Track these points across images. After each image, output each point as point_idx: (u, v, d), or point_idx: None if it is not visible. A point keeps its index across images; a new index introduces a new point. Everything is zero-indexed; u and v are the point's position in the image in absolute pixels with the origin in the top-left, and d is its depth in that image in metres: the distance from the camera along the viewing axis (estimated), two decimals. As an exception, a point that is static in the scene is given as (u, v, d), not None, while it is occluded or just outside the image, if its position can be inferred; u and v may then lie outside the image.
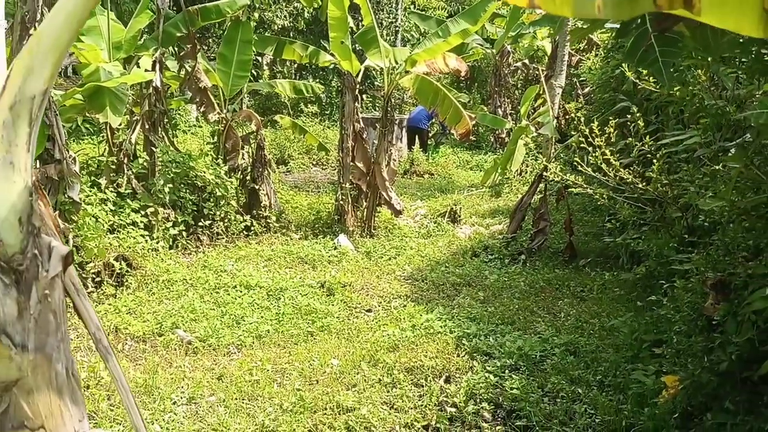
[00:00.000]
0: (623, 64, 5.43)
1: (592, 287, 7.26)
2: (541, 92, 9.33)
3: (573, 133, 10.16)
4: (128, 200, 8.11)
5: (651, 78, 4.88)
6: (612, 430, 4.36)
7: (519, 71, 19.32)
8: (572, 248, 8.41)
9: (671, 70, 3.30)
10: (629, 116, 5.62)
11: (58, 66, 1.31)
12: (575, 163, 7.98)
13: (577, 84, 15.88)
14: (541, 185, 8.81)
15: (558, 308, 6.76)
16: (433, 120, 17.67)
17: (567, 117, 14.07)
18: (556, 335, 5.92)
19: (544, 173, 8.27)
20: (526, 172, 13.84)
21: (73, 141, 12.05)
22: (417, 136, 16.96)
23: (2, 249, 1.29)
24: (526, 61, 18.97)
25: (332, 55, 10.02)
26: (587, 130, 5.05)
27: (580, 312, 6.55)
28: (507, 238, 9.02)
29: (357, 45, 10.16)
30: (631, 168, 5.15)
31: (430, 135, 18.00)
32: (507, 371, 5.23)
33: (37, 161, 6.56)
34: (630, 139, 5.41)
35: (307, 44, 10.70)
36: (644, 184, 4.91)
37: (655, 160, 4.73)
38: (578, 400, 4.76)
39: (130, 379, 5.17)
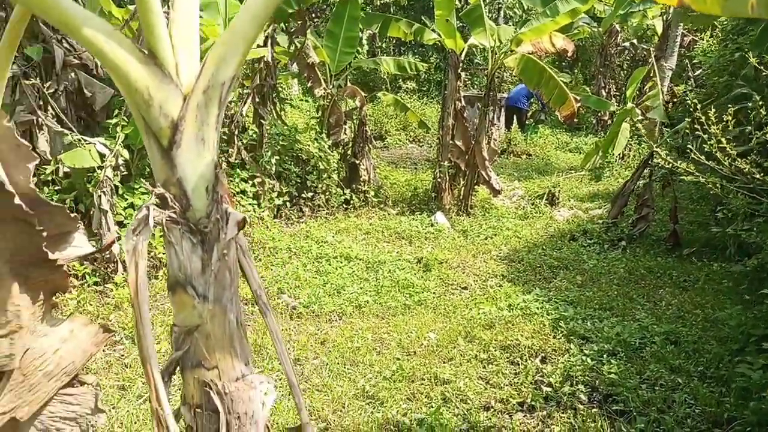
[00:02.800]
0: (745, 49, 5.22)
1: (697, 277, 7.07)
2: (651, 74, 9.03)
3: (680, 115, 9.85)
4: (238, 170, 8.54)
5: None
6: (712, 421, 4.32)
7: (626, 51, 18.60)
8: (676, 236, 8.19)
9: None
10: (749, 103, 5.41)
11: (245, 56, 1.50)
12: (685, 149, 7.74)
13: (689, 66, 15.21)
14: (646, 171, 8.59)
15: (659, 297, 6.64)
16: (533, 99, 17.40)
17: (675, 100, 13.56)
18: (656, 323, 5.85)
19: (653, 158, 8.05)
20: (629, 157, 13.48)
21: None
22: (515, 116, 16.76)
23: (192, 213, 1.50)
24: (635, 41, 18.23)
25: (436, 32, 10.06)
26: (702, 116, 4.91)
27: (682, 302, 6.42)
28: (607, 223, 8.87)
29: (460, 23, 10.16)
30: (748, 157, 4.98)
31: (529, 115, 17.74)
32: (605, 356, 5.24)
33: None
34: (749, 127, 5.22)
35: (413, 22, 10.77)
36: (762, 174, 4.75)
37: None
38: (678, 389, 4.72)
39: (254, 342, 5.53)
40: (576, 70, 20.23)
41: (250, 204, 8.24)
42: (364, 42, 20.70)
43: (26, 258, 1.73)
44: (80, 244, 1.89)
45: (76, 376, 1.91)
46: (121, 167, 6.51)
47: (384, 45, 21.79)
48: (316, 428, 1.71)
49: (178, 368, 1.62)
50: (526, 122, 17.18)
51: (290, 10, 9.24)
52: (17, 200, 1.62)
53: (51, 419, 1.91)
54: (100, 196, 6.26)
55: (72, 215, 1.82)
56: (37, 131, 6.50)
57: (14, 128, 1.69)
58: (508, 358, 5.34)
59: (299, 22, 9.50)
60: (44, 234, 1.70)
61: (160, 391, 1.46)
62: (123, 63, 1.40)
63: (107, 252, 6.28)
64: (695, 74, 15.29)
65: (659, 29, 16.15)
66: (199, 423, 1.60)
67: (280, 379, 4.99)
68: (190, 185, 1.48)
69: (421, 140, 16.56)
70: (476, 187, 10.23)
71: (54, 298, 1.88)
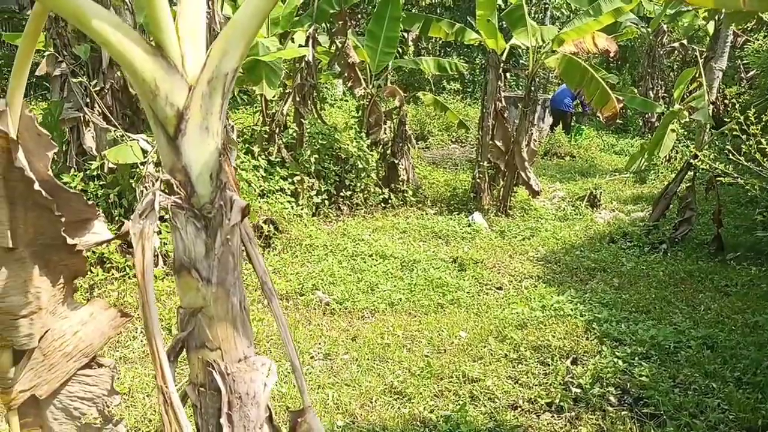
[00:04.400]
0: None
1: (738, 282, 6.89)
2: (696, 75, 8.82)
3: (728, 120, 9.59)
4: (278, 168, 8.67)
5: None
6: (746, 428, 4.22)
7: (676, 52, 18.16)
8: (720, 240, 7.98)
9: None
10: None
11: (247, 49, 1.55)
12: (729, 152, 7.57)
13: (741, 67, 14.78)
14: (690, 173, 8.40)
15: (698, 301, 6.50)
16: (577, 101, 17.15)
17: (726, 102, 13.20)
18: (693, 328, 5.72)
19: (693, 161, 7.87)
20: (676, 159, 13.18)
21: (231, 110, 12.90)
22: (560, 117, 16.55)
23: (196, 199, 1.56)
24: (684, 41, 17.79)
25: (478, 32, 10.02)
26: (742, 117, 4.80)
27: (722, 306, 6.26)
28: (648, 226, 8.71)
29: (504, 23, 10.10)
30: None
31: (574, 116, 17.48)
32: (637, 359, 5.15)
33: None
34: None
35: (454, 22, 10.75)
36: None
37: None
38: (712, 394, 4.62)
39: (274, 332, 5.63)
40: (624, 71, 19.85)
41: (288, 201, 8.36)
42: (410, 43, 20.72)
43: (46, 242, 1.81)
44: (99, 231, 1.97)
45: (94, 358, 2.00)
46: (162, 163, 6.67)
47: (429, 46, 21.74)
48: (314, 411, 1.75)
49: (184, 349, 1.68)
50: (571, 124, 16.94)
51: (332, 11, 9.34)
52: (37, 186, 1.70)
53: (69, 398, 1.99)
54: (142, 191, 6.44)
55: (89, 203, 1.91)
56: (84, 128, 6.73)
57: (35, 118, 1.78)
58: (538, 358, 5.31)
59: (340, 23, 9.60)
60: (63, 219, 1.79)
61: (165, 369, 1.52)
62: (130, 54, 1.46)
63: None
64: (748, 75, 14.86)
65: (711, 29, 15.73)
66: (203, 402, 1.66)
67: (310, 373, 5.06)
68: (195, 172, 1.54)
69: (464, 141, 16.50)
70: (515, 187, 10.16)
71: (74, 281, 1.97)
